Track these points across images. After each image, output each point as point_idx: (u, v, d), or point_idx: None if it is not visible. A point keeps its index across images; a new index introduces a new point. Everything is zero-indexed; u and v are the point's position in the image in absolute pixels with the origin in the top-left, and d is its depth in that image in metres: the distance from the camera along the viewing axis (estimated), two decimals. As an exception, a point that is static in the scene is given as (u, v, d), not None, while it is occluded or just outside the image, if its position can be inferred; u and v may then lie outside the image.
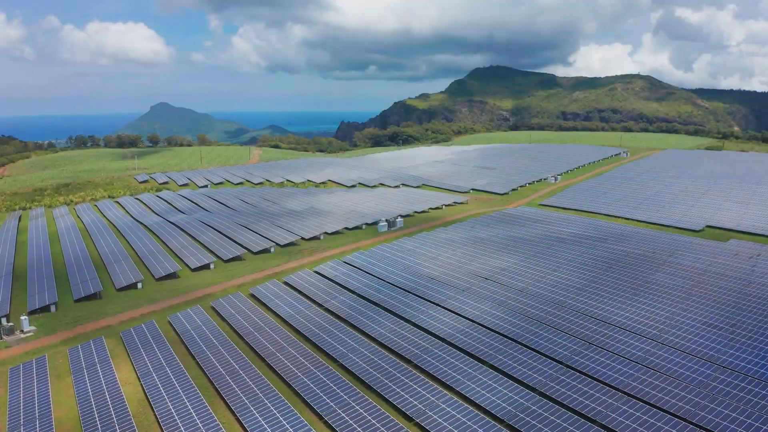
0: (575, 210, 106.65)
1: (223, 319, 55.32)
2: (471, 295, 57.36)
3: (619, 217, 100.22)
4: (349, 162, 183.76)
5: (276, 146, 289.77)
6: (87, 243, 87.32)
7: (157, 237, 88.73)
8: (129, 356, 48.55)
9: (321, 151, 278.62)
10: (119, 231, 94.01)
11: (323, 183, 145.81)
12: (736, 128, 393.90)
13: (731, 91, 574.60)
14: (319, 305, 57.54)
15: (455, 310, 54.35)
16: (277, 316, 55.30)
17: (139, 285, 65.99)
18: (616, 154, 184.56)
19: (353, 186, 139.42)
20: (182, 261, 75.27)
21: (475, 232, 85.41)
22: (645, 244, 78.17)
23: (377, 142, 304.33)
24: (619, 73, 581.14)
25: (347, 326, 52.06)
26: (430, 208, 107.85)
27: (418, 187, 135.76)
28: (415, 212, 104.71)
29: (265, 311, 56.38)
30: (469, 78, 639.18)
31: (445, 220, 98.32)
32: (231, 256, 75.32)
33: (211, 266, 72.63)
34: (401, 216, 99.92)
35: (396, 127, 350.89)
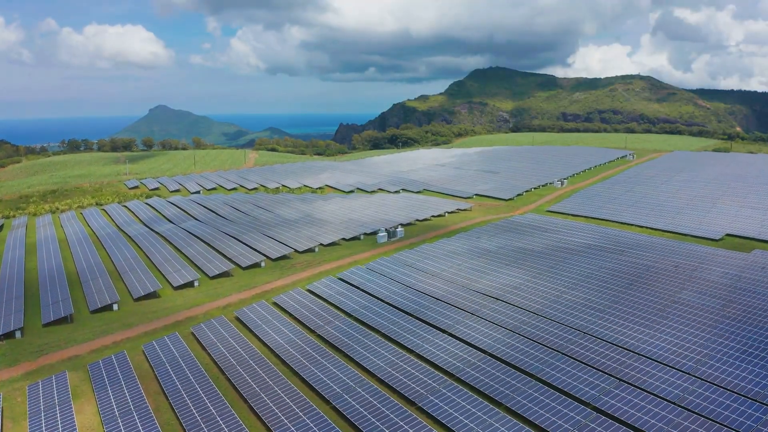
0: (585, 217, 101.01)
1: (203, 348, 49.44)
2: (480, 320, 51.55)
3: (632, 225, 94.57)
4: (347, 166, 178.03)
5: (273, 149, 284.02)
6: (65, 256, 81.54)
7: (140, 249, 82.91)
8: (94, 395, 42.71)
9: (319, 154, 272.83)
10: (101, 242, 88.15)
11: (320, 188, 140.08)
12: (738, 129, 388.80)
13: (732, 91, 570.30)
14: (311, 331, 51.67)
15: (464, 338, 48.56)
16: (264, 345, 49.43)
17: (115, 306, 60.08)
18: (622, 157, 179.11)
19: (351, 191, 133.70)
20: (164, 277, 69.39)
21: (481, 242, 79.67)
22: (665, 256, 72.47)
23: (376, 145, 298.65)
24: (618, 74, 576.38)
25: (342, 357, 46.26)
26: (432, 216, 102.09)
27: (418, 192, 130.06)
28: (417, 220, 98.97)
29: (251, 339, 50.52)
30: (469, 79, 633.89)
31: (449, 228, 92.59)
32: (218, 272, 69.39)
33: (196, 284, 66.67)
34: (401, 225, 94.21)
35: (395, 129, 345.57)
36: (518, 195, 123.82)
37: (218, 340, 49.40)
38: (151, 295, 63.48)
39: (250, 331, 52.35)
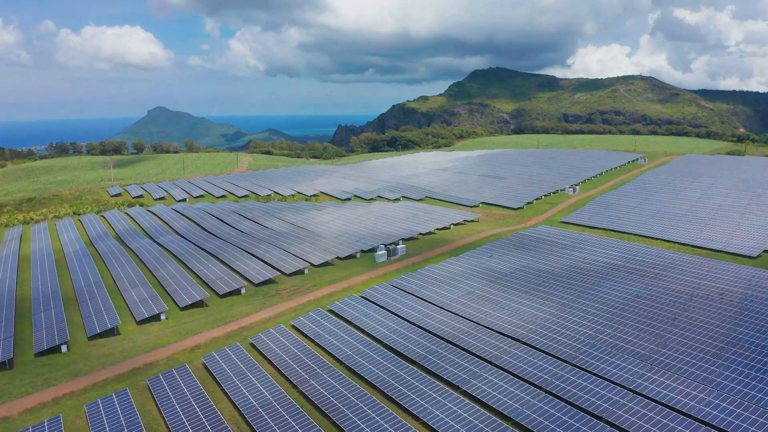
0: (604, 229, 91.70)
1: (159, 411, 39.89)
2: (501, 372, 42.07)
3: (657, 239, 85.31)
4: (344, 170, 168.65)
5: (268, 152, 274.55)
6: (22, 278, 72.12)
7: (107, 270, 73.39)
8: (12, 480, 33.33)
9: (315, 157, 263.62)
10: (66, 261, 78.66)
11: (314, 196, 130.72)
12: (741, 129, 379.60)
13: (734, 92, 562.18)
14: (294, 387, 42.19)
15: (482, 398, 39.09)
16: (234, 407, 39.86)
17: (64, 348, 50.54)
18: (633, 160, 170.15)
19: (348, 199, 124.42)
20: (127, 308, 59.76)
21: (492, 263, 70.30)
22: (705, 279, 63.18)
23: (375, 147, 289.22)
24: (618, 75, 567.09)
25: (330, 429, 36.81)
26: (437, 229, 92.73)
27: (420, 200, 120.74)
28: (419, 234, 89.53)
29: (218, 399, 40.98)
30: (469, 80, 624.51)
31: (455, 244, 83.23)
32: (189, 302, 59.74)
33: (162, 317, 57.03)
34: (402, 240, 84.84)
35: (394, 130, 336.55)
36: (528, 203, 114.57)
37: (178, 400, 39.89)
38: (109, 332, 53.90)
39: (219, 385, 42.82)
